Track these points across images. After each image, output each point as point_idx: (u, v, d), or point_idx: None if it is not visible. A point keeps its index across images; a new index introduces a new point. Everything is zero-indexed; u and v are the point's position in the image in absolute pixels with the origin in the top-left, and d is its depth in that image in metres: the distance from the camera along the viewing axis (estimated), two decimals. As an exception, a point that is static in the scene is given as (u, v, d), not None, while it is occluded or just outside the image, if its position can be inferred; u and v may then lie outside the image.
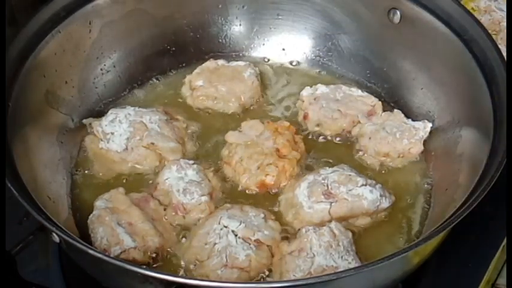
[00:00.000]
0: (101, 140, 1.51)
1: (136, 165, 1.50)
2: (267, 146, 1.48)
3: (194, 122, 1.62)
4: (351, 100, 1.62)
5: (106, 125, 1.52)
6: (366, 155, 1.55)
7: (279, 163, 1.46)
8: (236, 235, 1.31)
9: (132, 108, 1.56)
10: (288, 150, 1.48)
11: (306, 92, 1.65)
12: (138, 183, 1.49)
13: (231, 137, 1.52)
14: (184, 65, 1.77)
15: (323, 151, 1.57)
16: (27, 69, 1.42)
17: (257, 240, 1.31)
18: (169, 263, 1.34)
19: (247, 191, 1.47)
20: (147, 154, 1.50)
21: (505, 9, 1.85)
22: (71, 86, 1.58)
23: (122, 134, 1.50)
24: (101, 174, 1.51)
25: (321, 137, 1.60)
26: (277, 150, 1.48)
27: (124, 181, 1.49)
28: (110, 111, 1.55)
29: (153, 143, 1.50)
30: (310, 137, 1.60)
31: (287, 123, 1.54)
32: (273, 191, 1.47)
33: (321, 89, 1.64)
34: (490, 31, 1.45)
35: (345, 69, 1.77)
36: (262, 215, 1.36)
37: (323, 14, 1.74)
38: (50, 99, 1.51)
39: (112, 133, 1.51)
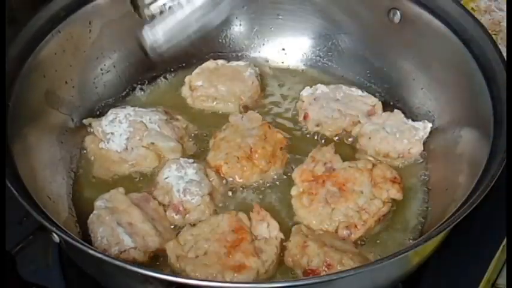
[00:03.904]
0: (101, 140, 1.51)
1: (136, 165, 1.50)
2: (246, 141, 1.50)
3: (194, 122, 1.62)
4: (351, 100, 1.62)
5: (106, 125, 1.52)
6: (365, 155, 1.55)
7: (243, 161, 1.47)
8: None
9: (132, 108, 1.56)
10: (259, 156, 1.48)
11: (306, 92, 1.65)
12: (138, 183, 1.49)
13: (233, 117, 1.57)
14: (184, 65, 1.77)
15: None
16: (27, 69, 1.43)
17: None
18: (169, 263, 1.34)
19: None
20: (147, 154, 1.50)
21: (505, 9, 1.85)
22: (71, 86, 1.58)
23: (122, 134, 1.50)
24: (100, 174, 1.51)
25: (321, 137, 1.60)
26: (251, 150, 1.49)
27: (124, 181, 1.49)
28: (110, 111, 1.55)
29: (153, 143, 1.50)
30: (310, 137, 1.60)
31: (281, 137, 1.53)
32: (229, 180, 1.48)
33: (321, 89, 1.64)
34: (490, 31, 1.46)
35: (345, 69, 1.77)
36: None
37: (323, 14, 1.74)
38: (50, 99, 1.51)
39: (112, 133, 1.51)
